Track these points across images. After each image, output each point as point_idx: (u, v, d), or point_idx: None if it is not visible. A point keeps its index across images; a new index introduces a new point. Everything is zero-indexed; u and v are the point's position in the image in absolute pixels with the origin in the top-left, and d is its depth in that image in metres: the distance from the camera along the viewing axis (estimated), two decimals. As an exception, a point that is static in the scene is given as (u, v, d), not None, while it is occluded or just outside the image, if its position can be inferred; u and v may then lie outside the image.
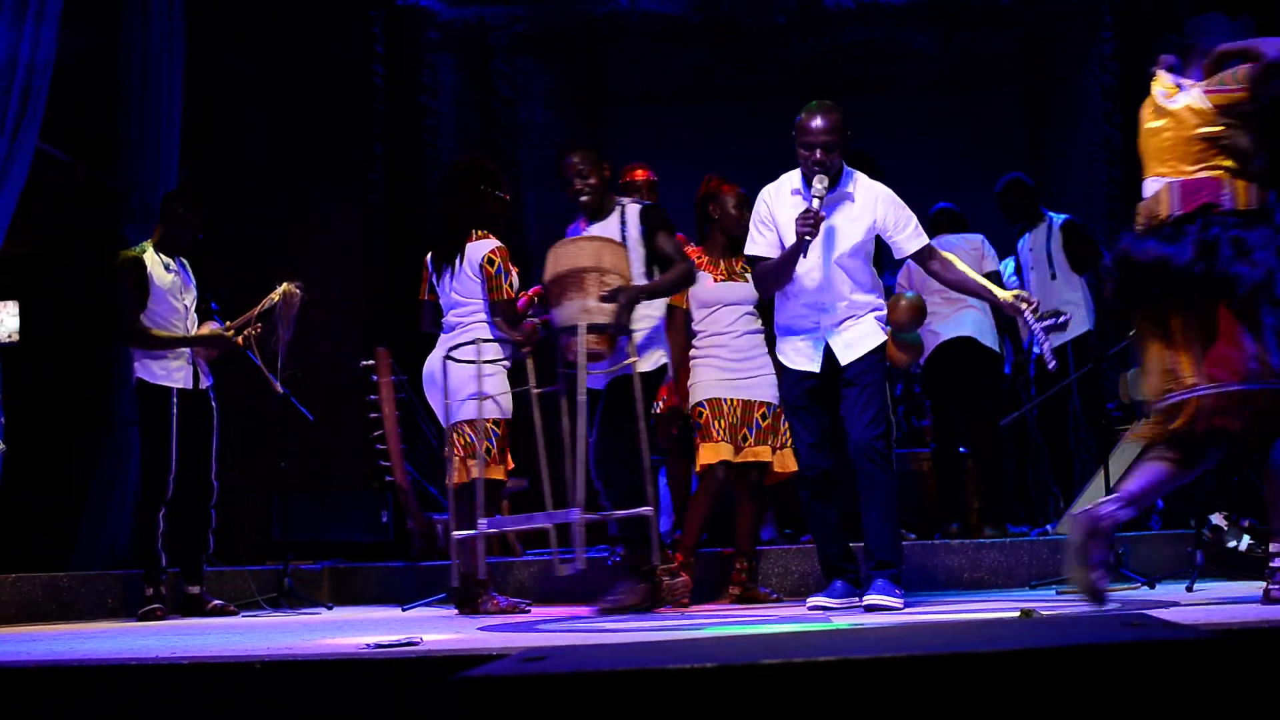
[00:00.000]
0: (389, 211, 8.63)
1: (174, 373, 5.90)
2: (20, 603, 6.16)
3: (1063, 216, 7.15)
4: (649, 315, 5.17)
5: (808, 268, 4.64)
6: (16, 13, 6.16)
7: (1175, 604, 4.11)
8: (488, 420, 5.17)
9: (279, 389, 6.10)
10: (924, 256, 4.75)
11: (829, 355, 4.67)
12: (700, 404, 5.42)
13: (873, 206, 4.69)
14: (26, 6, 6.18)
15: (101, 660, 3.15)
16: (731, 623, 4.41)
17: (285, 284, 5.97)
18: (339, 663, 3.01)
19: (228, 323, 6.03)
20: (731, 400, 5.38)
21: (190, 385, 5.93)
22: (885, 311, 4.78)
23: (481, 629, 4.30)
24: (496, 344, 5.25)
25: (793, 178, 4.74)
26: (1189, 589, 4.85)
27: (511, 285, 5.26)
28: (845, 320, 4.66)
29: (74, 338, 7.65)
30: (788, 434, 5.35)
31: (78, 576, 6.48)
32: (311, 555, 6.80)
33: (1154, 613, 2.93)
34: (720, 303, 5.46)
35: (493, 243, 5.30)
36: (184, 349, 5.94)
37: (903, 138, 8.42)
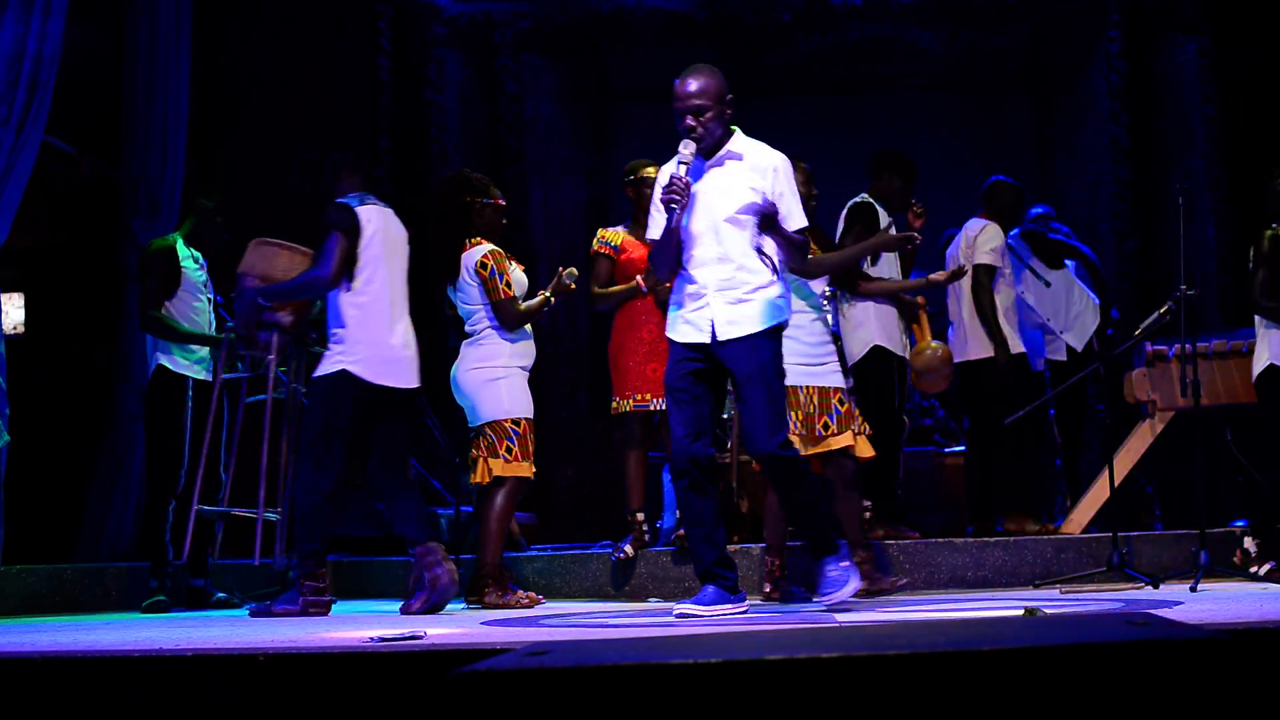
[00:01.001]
0: (394, 207, 8.61)
1: (194, 364, 5.93)
2: (24, 594, 6.17)
3: (1014, 229, 7.06)
4: (338, 325, 5.10)
5: (693, 235, 4.39)
6: (24, 6, 6.16)
7: (1180, 603, 4.10)
8: (506, 420, 5.28)
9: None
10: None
11: (714, 330, 4.38)
12: None
13: (763, 172, 4.41)
14: (34, 0, 6.19)
15: (105, 652, 3.15)
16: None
17: None
18: (342, 656, 3.01)
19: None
20: (808, 388, 5.18)
21: (209, 378, 5.94)
22: (780, 293, 4.46)
23: (485, 623, 4.30)
24: (512, 345, 5.37)
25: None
26: (1193, 589, 4.85)
27: (508, 284, 5.32)
28: (731, 290, 4.36)
29: (79, 331, 7.65)
30: (863, 421, 5.32)
31: (81, 568, 6.49)
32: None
33: (1159, 612, 2.93)
34: (797, 281, 5.20)
35: (484, 248, 5.41)
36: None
37: (907, 136, 8.38)
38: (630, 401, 5.82)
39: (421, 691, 2.90)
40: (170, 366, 5.88)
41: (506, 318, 5.32)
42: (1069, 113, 9.12)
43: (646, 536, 6.03)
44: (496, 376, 5.33)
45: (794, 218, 4.45)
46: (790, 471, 4.39)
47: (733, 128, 4.49)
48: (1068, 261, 7.21)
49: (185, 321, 5.91)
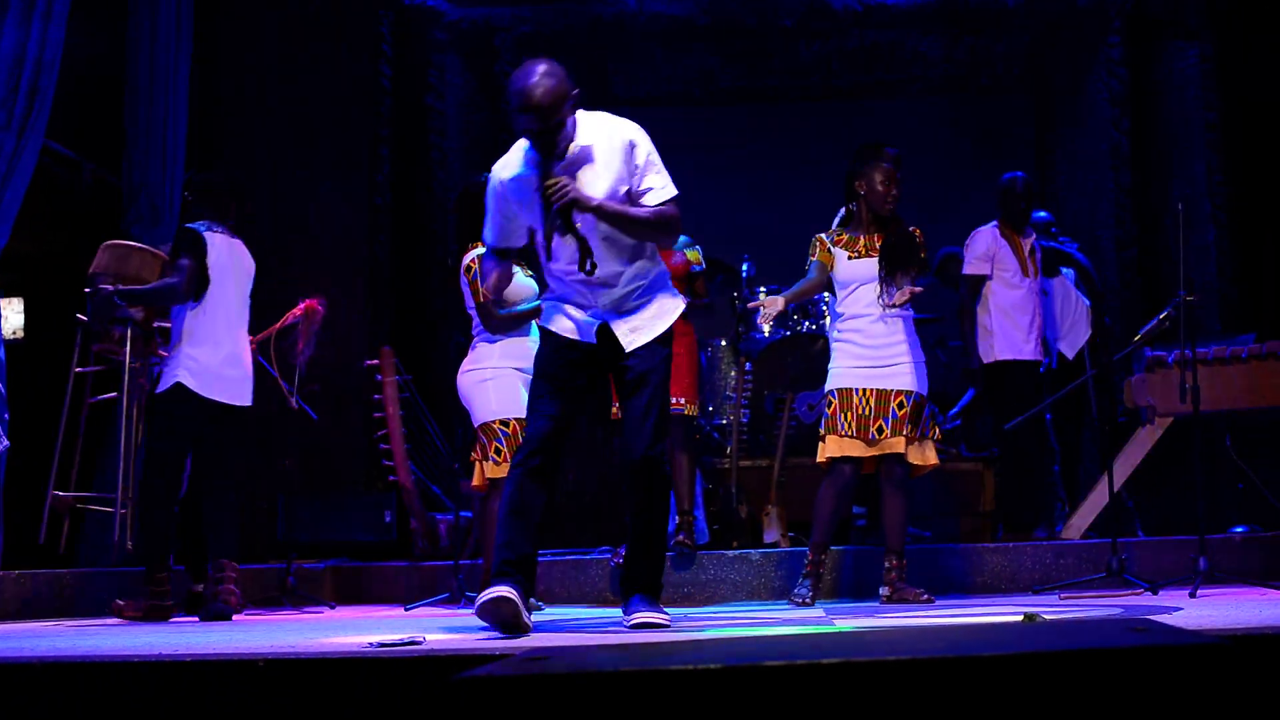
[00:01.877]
0: (394, 213, 8.63)
1: None
2: (23, 599, 6.17)
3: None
4: (176, 340, 5.48)
5: (565, 250, 3.99)
6: (24, 11, 6.17)
7: (1179, 609, 4.10)
8: (494, 421, 5.35)
9: (294, 403, 6.13)
10: None
11: (606, 335, 4.08)
12: (830, 393, 5.20)
13: (621, 154, 4.00)
14: (34, 5, 6.20)
15: (104, 657, 3.15)
16: (735, 624, 4.41)
17: (307, 301, 6.05)
18: (342, 661, 3.01)
19: (250, 337, 6.04)
20: (864, 390, 5.12)
21: None
22: (670, 282, 4.24)
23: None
24: (501, 347, 5.39)
25: (523, 146, 4.06)
26: (1192, 594, 4.85)
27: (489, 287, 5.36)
28: (627, 297, 4.09)
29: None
30: (929, 424, 5.23)
31: (81, 574, 6.48)
32: (315, 555, 6.80)
33: (1158, 617, 2.93)
34: (855, 281, 5.20)
35: (476, 252, 5.42)
36: None
37: (908, 142, 8.41)
38: (630, 407, 5.82)
39: (421, 697, 2.90)
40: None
41: (485, 320, 5.39)
42: (1070, 119, 9.12)
43: (646, 542, 6.01)
44: (485, 379, 5.40)
45: (656, 191, 4.02)
46: (659, 482, 4.11)
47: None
48: (1066, 270, 7.21)
49: None
